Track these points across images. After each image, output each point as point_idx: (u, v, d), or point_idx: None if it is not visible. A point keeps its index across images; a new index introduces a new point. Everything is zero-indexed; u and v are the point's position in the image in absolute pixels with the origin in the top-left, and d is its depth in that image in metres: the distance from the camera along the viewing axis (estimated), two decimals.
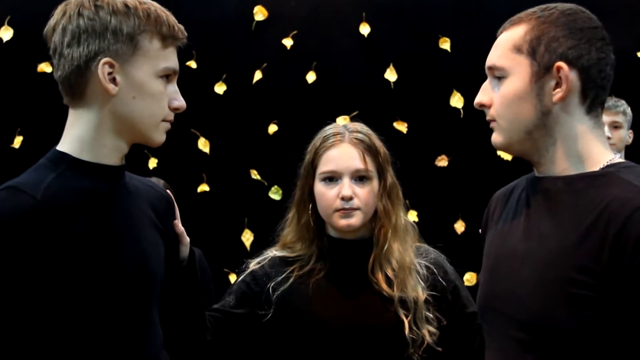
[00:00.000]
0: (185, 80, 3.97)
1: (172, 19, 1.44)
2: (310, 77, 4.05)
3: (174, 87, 1.44)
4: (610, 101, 3.43)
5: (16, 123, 3.98)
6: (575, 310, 1.20)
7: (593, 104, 1.31)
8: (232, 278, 4.05)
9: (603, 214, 1.20)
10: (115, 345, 1.38)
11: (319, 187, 1.81)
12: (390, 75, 4.00)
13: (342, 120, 3.95)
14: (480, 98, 1.38)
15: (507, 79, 1.32)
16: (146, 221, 1.50)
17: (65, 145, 1.41)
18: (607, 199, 1.21)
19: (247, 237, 4.06)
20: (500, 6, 3.81)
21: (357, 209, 1.78)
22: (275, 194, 4.06)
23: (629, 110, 3.48)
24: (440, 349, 1.75)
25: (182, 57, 4.50)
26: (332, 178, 1.80)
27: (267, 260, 1.89)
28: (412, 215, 3.68)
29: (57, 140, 1.44)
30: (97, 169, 1.40)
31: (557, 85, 1.28)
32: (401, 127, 3.96)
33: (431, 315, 1.77)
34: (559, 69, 1.28)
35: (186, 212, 3.85)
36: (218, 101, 4.06)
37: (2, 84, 3.95)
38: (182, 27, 1.46)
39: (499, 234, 1.42)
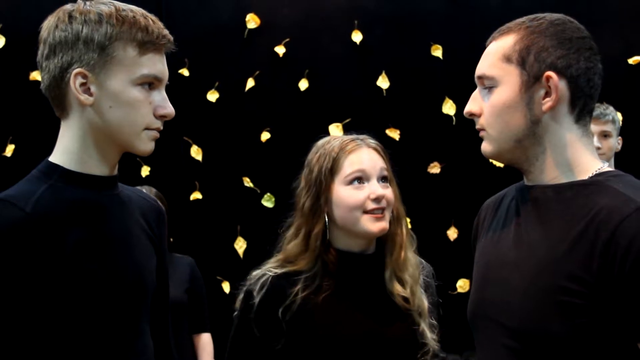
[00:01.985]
0: (178, 87, 3.98)
1: (155, 25, 1.41)
2: (303, 84, 4.05)
3: (159, 95, 1.40)
4: (599, 110, 3.41)
5: (8, 131, 3.97)
6: (565, 318, 1.21)
7: (582, 113, 1.33)
8: (225, 286, 4.04)
9: (592, 222, 1.21)
10: (105, 356, 1.37)
11: (344, 191, 1.75)
12: (383, 82, 4.01)
13: (334, 128, 3.96)
14: (470, 107, 1.39)
15: (497, 88, 1.33)
16: (139, 231, 1.50)
17: (57, 156, 1.41)
18: (596, 208, 1.22)
19: (240, 245, 4.06)
20: (492, 14, 3.83)
21: (385, 209, 1.75)
22: (268, 202, 4.06)
23: (617, 116, 3.48)
24: (444, 355, 1.75)
25: (175, 64, 4.50)
26: (360, 179, 1.75)
27: (267, 283, 1.76)
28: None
29: (50, 148, 1.44)
30: (87, 179, 1.39)
31: (547, 94, 1.30)
32: (393, 134, 3.97)
33: (434, 323, 1.78)
34: (548, 78, 1.29)
35: (179, 220, 3.86)
36: (210, 109, 4.06)
37: None
38: (165, 32, 1.42)
39: (489, 243, 1.42)
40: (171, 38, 1.44)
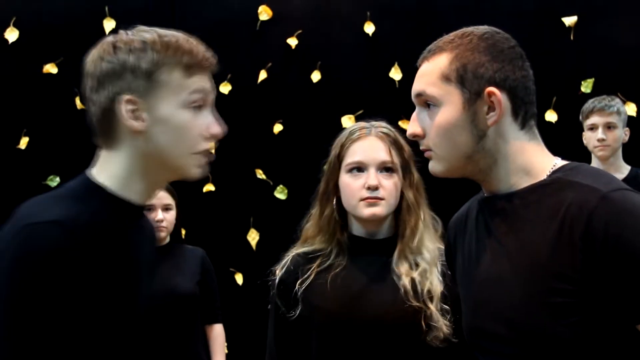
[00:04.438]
0: None
1: (199, 47, 1.43)
2: (315, 76, 4.05)
3: (208, 115, 1.43)
4: (604, 102, 3.41)
5: (22, 124, 3.99)
6: (560, 318, 1.21)
7: (525, 119, 1.34)
8: (238, 277, 4.06)
9: (565, 220, 1.21)
10: None
11: (345, 179, 1.85)
12: (395, 74, 4.00)
13: (347, 120, 3.96)
14: (412, 129, 1.40)
15: (440, 108, 1.33)
16: (149, 260, 1.52)
17: (101, 177, 1.40)
18: (564, 205, 1.22)
19: (253, 237, 4.07)
20: (505, 4, 3.81)
21: (382, 199, 1.82)
22: (280, 194, 4.06)
23: (623, 108, 3.46)
24: (456, 339, 1.76)
25: None
26: (358, 168, 1.84)
27: (289, 261, 1.91)
28: None
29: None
30: (128, 207, 1.40)
31: (490, 109, 1.31)
32: (406, 125, 3.95)
33: (446, 307, 1.79)
34: (490, 94, 1.30)
35: (192, 212, 3.87)
36: (223, 101, 4.06)
37: (8, 85, 3.96)
38: (209, 53, 1.45)
39: (468, 262, 1.43)
40: (214, 60, 1.46)
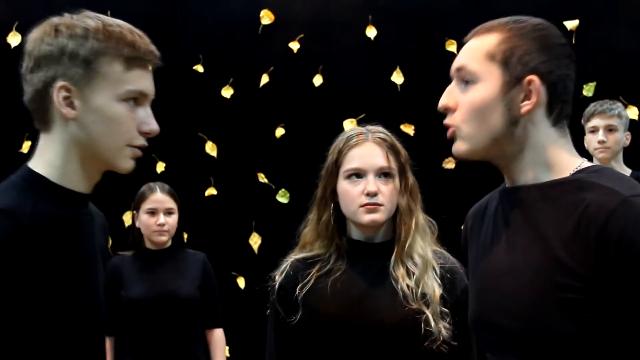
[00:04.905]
0: (192, 84, 4.00)
1: (141, 40, 1.38)
2: (317, 80, 4.05)
3: (144, 111, 1.39)
4: (605, 105, 3.43)
5: (24, 128, 4.00)
6: (568, 315, 1.22)
7: (559, 117, 1.34)
8: (240, 281, 4.06)
9: (582, 219, 1.22)
10: None
11: (344, 185, 1.85)
12: (397, 77, 4.00)
13: (349, 124, 3.96)
14: (445, 100, 1.40)
15: (477, 84, 1.33)
16: (98, 249, 1.50)
17: (39, 167, 1.38)
18: (583, 204, 1.23)
19: (255, 241, 4.07)
20: (505, 8, 3.81)
21: (381, 205, 1.82)
22: (282, 197, 4.07)
23: (625, 112, 3.48)
24: (455, 343, 1.77)
25: (189, 61, 4.52)
26: (357, 175, 1.84)
27: (288, 267, 1.92)
28: None
29: None
30: (71, 195, 1.38)
31: (526, 97, 1.31)
32: (408, 129, 3.97)
33: (446, 310, 1.80)
34: (530, 82, 1.30)
35: (194, 215, 3.88)
36: (225, 105, 4.07)
37: (11, 89, 3.96)
38: (152, 48, 1.40)
39: (481, 251, 1.43)
40: (158, 54, 1.41)
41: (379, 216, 1.81)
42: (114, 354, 3.08)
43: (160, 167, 4.04)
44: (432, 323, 1.76)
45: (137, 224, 3.12)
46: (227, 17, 4.07)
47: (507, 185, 1.40)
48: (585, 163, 1.33)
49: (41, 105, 1.37)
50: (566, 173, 1.31)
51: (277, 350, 1.90)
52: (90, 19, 1.36)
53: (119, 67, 1.35)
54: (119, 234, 3.95)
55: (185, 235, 3.38)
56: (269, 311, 1.94)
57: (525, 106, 1.30)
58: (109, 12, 3.54)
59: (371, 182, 1.81)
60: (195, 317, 3.08)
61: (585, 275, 1.20)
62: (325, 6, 4.08)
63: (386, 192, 1.83)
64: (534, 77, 1.29)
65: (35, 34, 1.37)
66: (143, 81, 1.38)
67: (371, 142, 1.85)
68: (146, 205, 3.06)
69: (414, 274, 1.82)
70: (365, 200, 1.81)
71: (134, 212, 3.14)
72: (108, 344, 3.05)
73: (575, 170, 1.31)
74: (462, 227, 1.58)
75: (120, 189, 3.89)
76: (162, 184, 3.14)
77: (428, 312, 1.77)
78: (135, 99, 1.37)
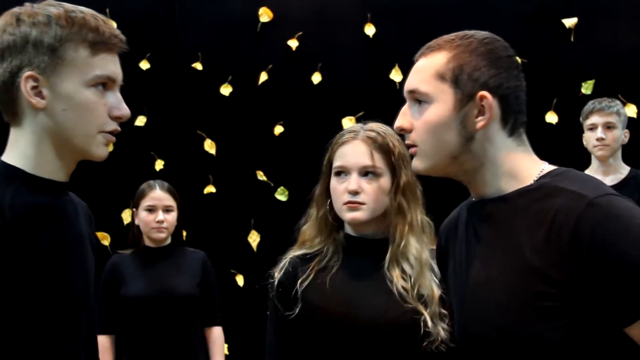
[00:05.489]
0: (191, 81, 4.00)
1: (105, 25, 1.37)
2: (316, 78, 4.05)
3: (114, 96, 1.38)
4: (604, 102, 3.44)
5: None
6: (548, 322, 1.22)
7: (514, 127, 1.35)
8: (239, 279, 4.06)
9: (552, 226, 1.23)
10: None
11: (333, 182, 1.88)
12: (396, 75, 4.01)
13: (348, 122, 3.96)
14: (400, 122, 1.41)
15: (431, 105, 1.34)
16: (86, 237, 1.49)
17: (13, 160, 1.37)
18: (552, 211, 1.23)
19: (254, 238, 4.07)
20: (505, 6, 3.82)
21: (363, 203, 1.82)
22: (281, 195, 4.07)
23: (623, 110, 3.49)
24: (453, 344, 1.76)
25: (188, 58, 4.50)
26: (343, 172, 1.86)
27: (287, 264, 1.92)
28: None
29: None
30: (48, 184, 1.37)
31: (479, 112, 1.32)
32: None
33: (445, 312, 1.79)
34: (482, 98, 1.31)
35: (192, 213, 3.88)
36: (224, 103, 4.07)
37: None
38: (117, 32, 1.38)
39: (458, 266, 1.44)
40: (123, 38, 1.40)
41: (359, 214, 1.82)
42: (114, 352, 3.08)
43: (159, 164, 4.04)
44: (430, 324, 1.76)
45: (136, 222, 3.12)
46: (226, 14, 4.07)
47: (473, 199, 1.40)
48: (547, 167, 1.34)
49: (9, 97, 1.34)
50: (530, 180, 1.32)
51: (277, 345, 1.91)
52: (52, 7, 1.35)
53: (85, 52, 1.34)
54: (118, 232, 3.95)
55: (184, 233, 3.38)
56: (268, 308, 1.94)
57: (480, 122, 1.31)
58: (107, 10, 3.56)
59: (353, 181, 1.82)
60: (195, 315, 3.09)
61: (562, 281, 1.20)
62: (324, 4, 4.08)
63: (369, 191, 1.82)
64: (485, 93, 1.30)
65: None
66: (110, 65, 1.37)
67: (359, 140, 1.85)
68: (145, 203, 3.07)
69: (410, 275, 1.82)
70: (347, 198, 1.82)
71: (133, 209, 3.14)
72: (108, 342, 3.06)
73: (539, 175, 1.32)
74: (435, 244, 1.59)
75: (119, 187, 3.90)
76: (162, 182, 3.15)
77: (426, 313, 1.77)
78: (104, 84, 1.36)
